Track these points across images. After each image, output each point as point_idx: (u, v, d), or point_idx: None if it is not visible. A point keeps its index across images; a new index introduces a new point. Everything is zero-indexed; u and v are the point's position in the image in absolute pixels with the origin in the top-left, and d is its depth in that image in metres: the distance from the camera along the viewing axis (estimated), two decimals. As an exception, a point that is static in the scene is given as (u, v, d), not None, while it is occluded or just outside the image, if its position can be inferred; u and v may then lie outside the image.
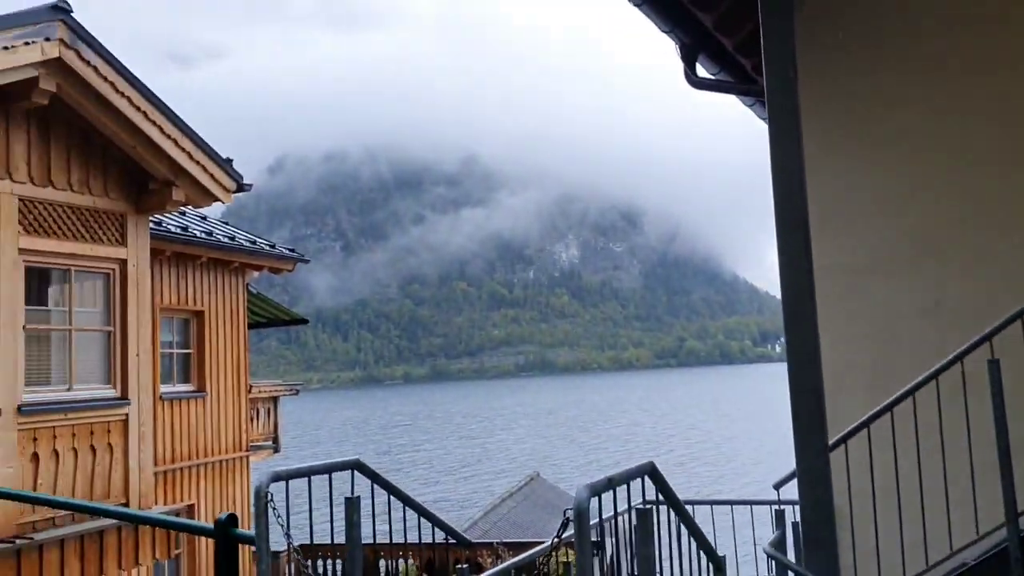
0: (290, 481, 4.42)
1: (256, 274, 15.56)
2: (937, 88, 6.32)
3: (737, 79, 8.23)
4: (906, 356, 6.17)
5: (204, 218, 15.08)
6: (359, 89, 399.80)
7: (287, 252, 15.79)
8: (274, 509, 4.10)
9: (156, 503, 11.47)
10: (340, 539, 5.22)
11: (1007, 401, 5.05)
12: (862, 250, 6.65)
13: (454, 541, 5.65)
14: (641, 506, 3.70)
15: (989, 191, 6.10)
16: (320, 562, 15.50)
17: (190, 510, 13.62)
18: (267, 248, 15.16)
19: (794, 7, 5.80)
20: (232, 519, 4.12)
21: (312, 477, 4.49)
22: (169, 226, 12.67)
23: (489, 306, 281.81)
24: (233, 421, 14.55)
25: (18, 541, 7.73)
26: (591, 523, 3.18)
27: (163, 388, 12.89)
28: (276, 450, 16.94)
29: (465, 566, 5.22)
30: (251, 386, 15.55)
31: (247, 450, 14.95)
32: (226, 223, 16.21)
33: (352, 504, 4.32)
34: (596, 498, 3.41)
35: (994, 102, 6.07)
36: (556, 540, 3.31)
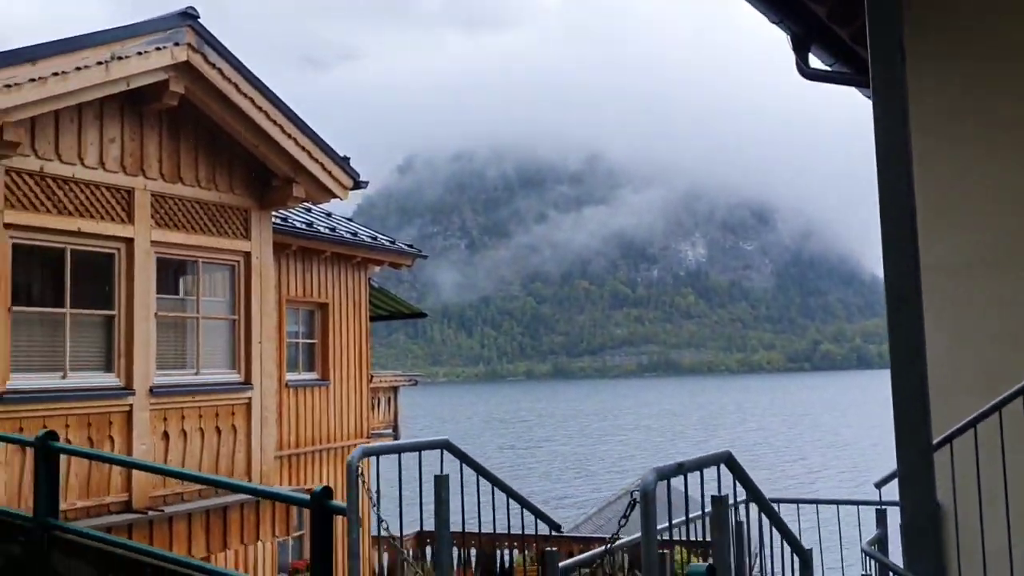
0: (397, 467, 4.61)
1: (377, 269, 16.07)
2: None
3: (854, 70, 7.98)
4: (1022, 355, 5.89)
5: (329, 215, 15.68)
6: (486, 89, 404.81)
7: (406, 248, 16.24)
8: (363, 482, 4.31)
9: (280, 484, 12.05)
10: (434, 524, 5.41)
11: None
12: (978, 245, 6.38)
13: (550, 531, 5.76)
14: (717, 493, 3.70)
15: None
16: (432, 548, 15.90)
17: (326, 491, 14.18)
18: (387, 244, 15.64)
19: (901, -9, 5.61)
20: (327, 492, 4.37)
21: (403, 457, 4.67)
22: (295, 222, 13.26)
23: (611, 305, 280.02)
24: (355, 409, 15.07)
25: (150, 513, 8.32)
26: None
27: (289, 376, 13.48)
28: (395, 438, 17.42)
29: (555, 549, 5.33)
30: (372, 376, 16.06)
31: (368, 437, 15.44)
32: (350, 220, 16.78)
33: (440, 482, 4.49)
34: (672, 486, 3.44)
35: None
36: (623, 521, 3.37)
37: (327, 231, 14.01)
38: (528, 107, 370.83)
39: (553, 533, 5.67)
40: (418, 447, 4.60)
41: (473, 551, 15.02)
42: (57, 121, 7.87)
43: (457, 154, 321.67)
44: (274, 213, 11.68)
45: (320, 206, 14.07)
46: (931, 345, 6.47)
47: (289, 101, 9.54)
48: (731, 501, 5.42)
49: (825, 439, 69.45)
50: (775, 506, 7.70)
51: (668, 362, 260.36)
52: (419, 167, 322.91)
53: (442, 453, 4.72)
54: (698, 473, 3.80)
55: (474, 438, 76.75)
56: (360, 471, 4.28)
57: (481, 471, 5.00)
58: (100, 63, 7.64)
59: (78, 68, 7.43)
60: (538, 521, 5.35)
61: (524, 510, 5.30)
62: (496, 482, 4.98)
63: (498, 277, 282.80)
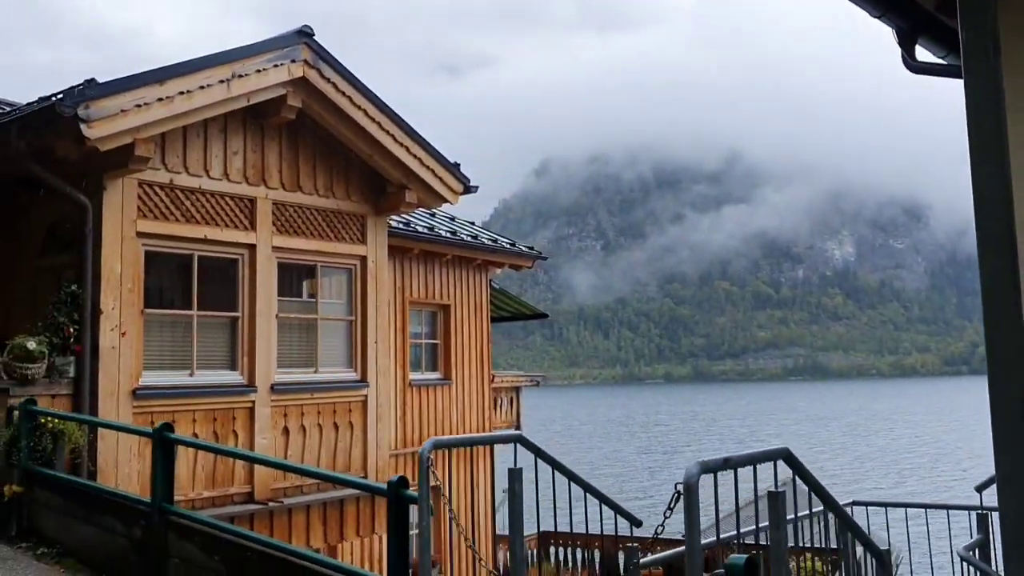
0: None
1: (499, 271, 16.36)
2: None
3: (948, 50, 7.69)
4: None
5: (453, 219, 16.09)
6: (621, 90, 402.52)
7: (525, 250, 16.46)
8: (434, 473, 4.50)
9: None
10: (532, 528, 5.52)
11: None
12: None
13: (630, 528, 5.81)
14: (774, 489, 3.68)
15: None
16: (557, 549, 16.09)
17: (435, 490, 14.56)
18: (507, 246, 15.89)
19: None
20: (402, 482, 4.60)
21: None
22: (417, 226, 13.70)
23: (753, 306, 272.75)
24: (476, 408, 15.38)
25: (271, 504, 8.83)
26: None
27: (412, 375, 13.91)
28: (518, 438, 17.62)
29: (635, 545, 5.36)
30: (493, 376, 16.35)
31: (489, 436, 15.71)
32: (472, 223, 17.14)
33: (513, 475, 4.63)
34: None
35: None
36: (668, 512, 3.41)
37: (448, 234, 14.38)
38: (663, 107, 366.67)
39: (635, 531, 5.72)
40: (491, 440, 4.76)
41: (597, 553, 15.06)
42: (184, 136, 8.49)
43: (592, 156, 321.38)
44: (396, 217, 12.13)
45: (443, 209, 14.47)
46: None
47: (425, 108, 10.11)
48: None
49: (985, 446, 65.20)
50: (885, 510, 7.48)
51: (815, 365, 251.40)
52: (555, 170, 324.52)
53: (515, 447, 4.86)
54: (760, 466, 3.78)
55: (612, 442, 76.52)
56: (431, 463, 4.47)
57: (556, 466, 5.10)
58: (222, 81, 8.20)
59: (202, 87, 8.00)
60: (616, 518, 5.41)
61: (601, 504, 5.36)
62: (573, 477, 5.07)
63: (634, 278, 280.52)
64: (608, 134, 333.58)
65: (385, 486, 4.55)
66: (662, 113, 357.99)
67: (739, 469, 3.71)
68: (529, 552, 17.10)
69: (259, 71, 8.49)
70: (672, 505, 3.40)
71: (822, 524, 7.66)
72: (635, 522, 5.58)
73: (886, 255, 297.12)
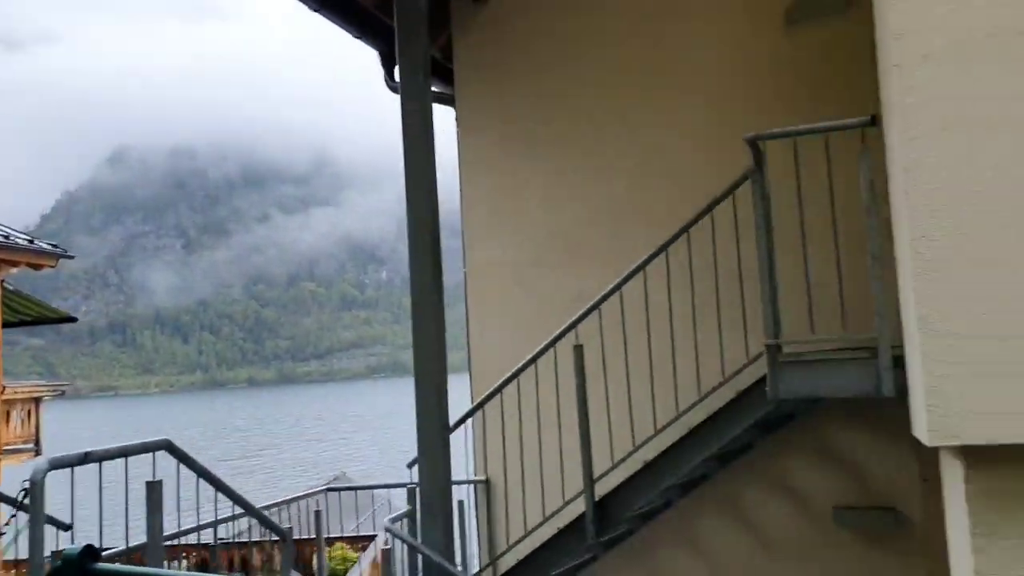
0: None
1: (14, 270, 14.81)
2: (578, 103, 6.85)
3: (447, 84, 8.51)
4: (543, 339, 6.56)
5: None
6: (209, 84, 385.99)
7: (47, 247, 15.09)
8: None
9: None
10: None
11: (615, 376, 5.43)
12: (529, 246, 7.07)
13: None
14: (152, 478, 3.77)
15: (619, 194, 6.66)
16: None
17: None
18: (21, 242, 14.44)
19: (425, 14, 6.04)
20: None
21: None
22: None
23: (340, 307, 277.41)
24: (-20, 423, 13.81)
25: None
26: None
27: None
28: (38, 452, 16.21)
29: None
30: (3, 387, 14.79)
31: (-1, 453, 14.20)
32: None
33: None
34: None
35: (619, 116, 6.67)
36: (16, 510, 3.34)
37: (-59, 227, 12.69)
38: (252, 106, 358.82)
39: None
40: None
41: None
42: None
43: (175, 149, 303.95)
44: None
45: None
46: (483, 334, 7.06)
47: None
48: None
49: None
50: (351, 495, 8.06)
51: (396, 363, 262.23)
52: (132, 161, 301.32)
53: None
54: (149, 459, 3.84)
55: (195, 452, 72.94)
56: None
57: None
58: None
59: None
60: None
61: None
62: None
63: (217, 279, 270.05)
64: (193, 127, 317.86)
65: None
66: (251, 111, 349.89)
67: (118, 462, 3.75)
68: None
69: None
70: (20, 503, 3.33)
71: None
72: (63, 527, 5.33)
73: (460, 259, 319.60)
